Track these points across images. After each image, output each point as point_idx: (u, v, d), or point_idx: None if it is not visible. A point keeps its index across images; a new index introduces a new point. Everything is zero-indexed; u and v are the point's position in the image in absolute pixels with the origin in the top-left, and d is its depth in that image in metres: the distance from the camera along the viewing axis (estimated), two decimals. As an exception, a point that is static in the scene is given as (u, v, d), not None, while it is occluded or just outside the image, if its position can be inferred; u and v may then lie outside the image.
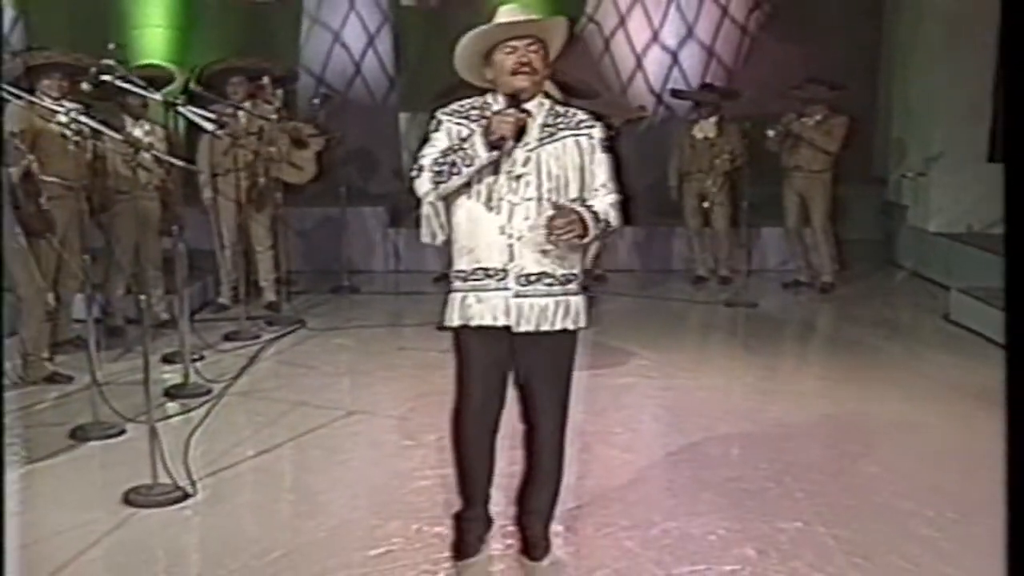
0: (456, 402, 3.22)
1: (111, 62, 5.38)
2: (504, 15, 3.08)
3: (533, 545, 3.38)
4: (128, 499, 3.96)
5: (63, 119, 5.14)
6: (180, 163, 5.94)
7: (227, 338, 6.66)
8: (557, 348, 3.18)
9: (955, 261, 8.24)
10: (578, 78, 7.19)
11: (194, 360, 5.77)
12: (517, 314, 3.09)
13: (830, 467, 4.53)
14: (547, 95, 3.24)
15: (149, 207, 6.48)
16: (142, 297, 5.69)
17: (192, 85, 7.73)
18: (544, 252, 3.07)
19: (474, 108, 3.16)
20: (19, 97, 5.19)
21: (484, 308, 3.10)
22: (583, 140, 3.14)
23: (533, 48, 3.06)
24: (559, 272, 3.12)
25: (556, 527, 3.51)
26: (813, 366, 6.67)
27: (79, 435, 4.73)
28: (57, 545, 3.58)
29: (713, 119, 8.52)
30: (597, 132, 3.18)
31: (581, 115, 3.20)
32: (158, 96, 5.51)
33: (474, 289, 3.12)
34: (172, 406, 5.25)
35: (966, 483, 4.23)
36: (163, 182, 6.41)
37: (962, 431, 4.96)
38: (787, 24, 10.47)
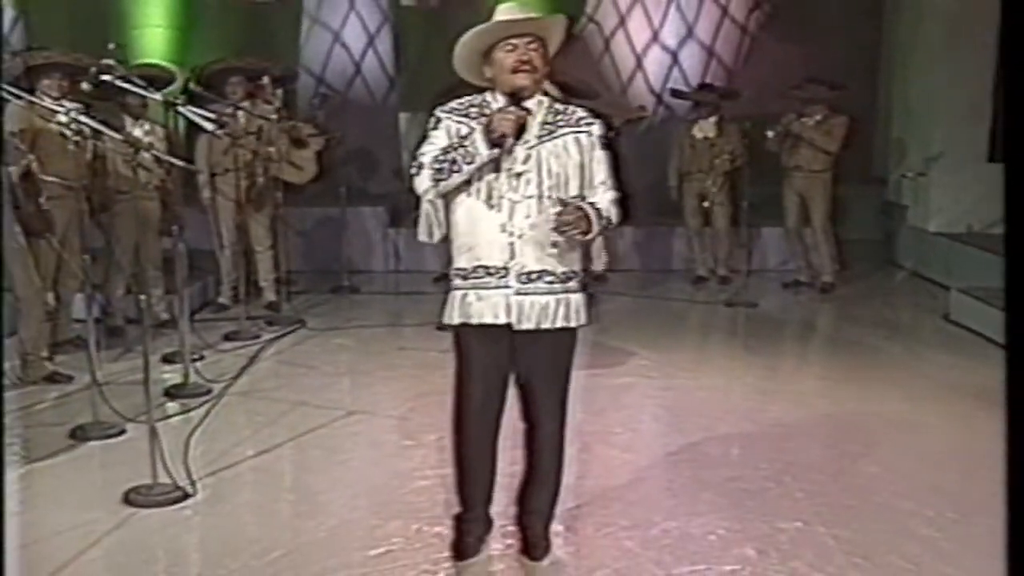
0: (456, 402, 3.22)
1: (111, 62, 5.38)
2: (503, 13, 3.08)
3: (533, 545, 3.38)
4: (128, 499, 3.96)
5: (63, 119, 5.14)
6: (180, 163, 5.94)
7: (227, 338, 6.66)
8: (557, 346, 3.19)
9: (955, 261, 8.24)
10: (578, 78, 7.20)
11: (194, 360, 5.77)
12: (518, 312, 3.10)
13: (830, 467, 4.53)
14: (545, 93, 3.25)
15: (149, 207, 6.48)
16: (142, 297, 5.69)
17: (192, 85, 7.74)
18: (545, 250, 3.08)
19: (473, 106, 3.16)
20: (19, 97, 5.19)
21: (485, 306, 3.10)
22: (583, 137, 3.15)
23: (533, 46, 3.07)
24: (560, 270, 3.12)
25: (556, 527, 3.51)
26: (813, 366, 6.67)
27: (79, 435, 4.73)
28: (57, 545, 3.58)
29: (713, 119, 8.52)
30: (596, 129, 3.19)
31: (580, 112, 3.21)
32: (158, 96, 5.51)
33: (475, 287, 3.12)
34: (172, 406, 5.25)
35: (966, 483, 4.23)
36: (163, 182, 6.41)
37: (962, 431, 4.96)
38: (787, 24, 10.47)
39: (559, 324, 3.14)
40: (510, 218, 3.06)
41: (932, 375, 6.01)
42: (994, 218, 8.07)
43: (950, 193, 8.75)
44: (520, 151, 3.06)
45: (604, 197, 3.16)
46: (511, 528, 3.46)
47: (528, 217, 3.06)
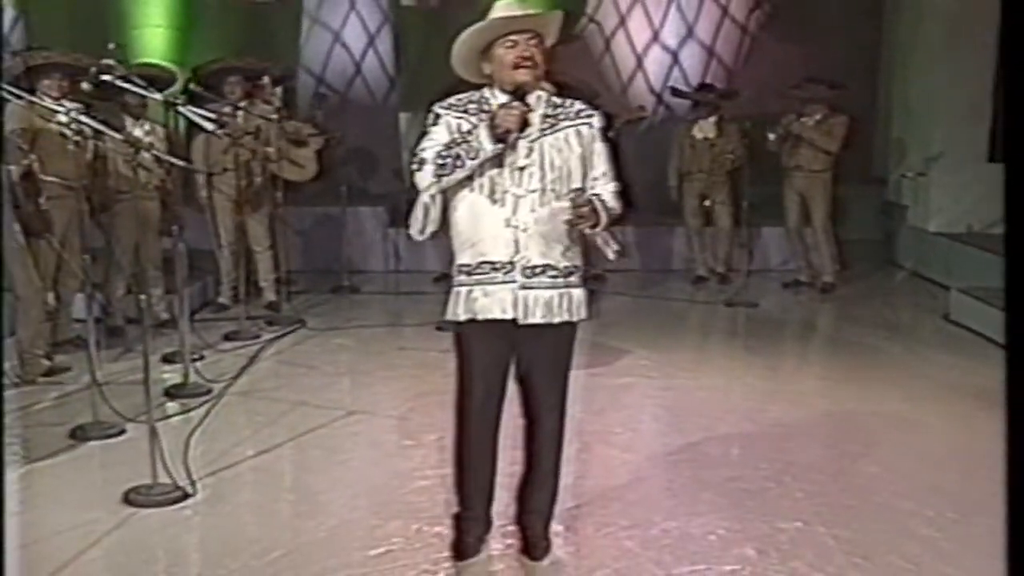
0: (458, 399, 3.22)
1: (111, 62, 5.38)
2: (502, 9, 3.09)
3: (533, 545, 3.38)
4: (128, 499, 3.96)
5: (63, 119, 5.14)
6: (180, 163, 5.94)
7: (227, 338, 6.66)
8: (559, 340, 3.20)
9: (955, 261, 8.24)
10: (578, 78, 7.20)
11: (194, 360, 5.77)
12: (524, 307, 3.10)
13: (830, 467, 4.53)
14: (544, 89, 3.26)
15: (149, 207, 6.48)
16: (142, 297, 5.69)
17: (191, 85, 7.74)
18: (549, 243, 3.08)
19: (472, 102, 3.16)
20: (19, 97, 5.19)
21: (491, 302, 3.10)
22: (583, 129, 3.17)
23: (533, 42, 3.08)
24: (562, 264, 3.14)
25: (556, 527, 3.51)
26: (813, 366, 6.67)
27: (79, 435, 4.73)
28: (57, 545, 3.58)
29: (712, 119, 8.52)
30: (596, 121, 3.21)
31: (579, 105, 3.23)
32: (158, 96, 5.51)
33: (480, 283, 3.11)
34: (172, 406, 5.25)
35: (966, 483, 4.23)
36: (163, 182, 6.41)
37: (962, 431, 4.96)
38: (787, 24, 10.47)
39: (563, 318, 3.14)
40: (514, 212, 3.07)
41: (932, 375, 6.01)
42: (994, 218, 8.07)
43: (950, 193, 8.75)
44: (522, 145, 3.07)
45: (606, 188, 3.18)
46: (511, 528, 3.46)
47: (532, 211, 3.07)
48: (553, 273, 3.12)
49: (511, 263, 3.09)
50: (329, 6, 10.93)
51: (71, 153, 5.08)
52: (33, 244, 5.49)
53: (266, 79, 7.56)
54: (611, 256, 3.31)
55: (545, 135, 3.11)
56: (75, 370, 5.61)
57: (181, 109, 5.65)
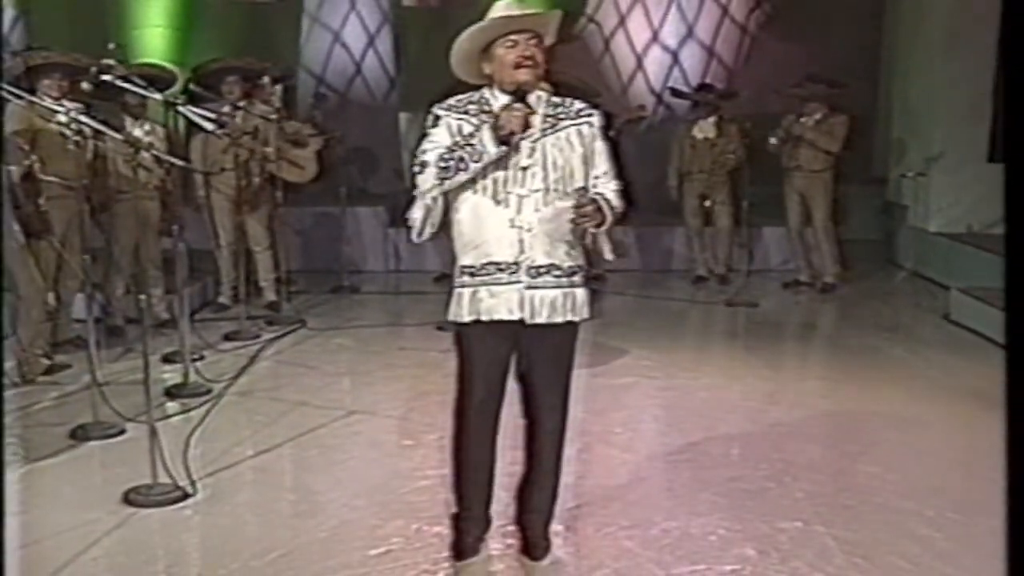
0: (458, 400, 3.22)
1: (111, 62, 5.38)
2: (502, 9, 3.09)
3: (533, 545, 3.38)
4: (128, 499, 3.96)
5: (63, 119, 5.15)
6: (180, 163, 5.94)
7: (227, 338, 6.67)
8: (563, 340, 3.20)
9: (955, 261, 8.24)
10: (578, 77, 7.20)
11: (194, 360, 5.77)
12: (530, 307, 3.10)
13: (830, 467, 4.54)
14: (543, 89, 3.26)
15: (149, 207, 6.48)
16: (142, 297, 5.69)
17: (191, 85, 7.74)
18: (554, 243, 3.08)
19: (472, 103, 3.16)
20: (19, 97, 5.19)
21: (497, 302, 3.10)
22: (584, 128, 3.17)
23: (533, 42, 3.08)
24: (567, 264, 3.14)
25: (556, 527, 3.51)
26: (813, 366, 6.67)
27: (79, 435, 4.73)
28: (57, 545, 3.58)
29: (712, 119, 8.51)
30: (596, 120, 3.21)
31: (579, 104, 3.23)
32: (158, 96, 5.51)
33: (485, 283, 3.11)
34: (172, 406, 5.25)
35: (966, 483, 4.23)
36: (163, 182, 6.41)
37: (962, 431, 4.96)
38: (787, 24, 10.48)
39: (567, 318, 3.15)
40: (518, 212, 3.07)
41: (932, 375, 6.01)
42: (994, 218, 8.06)
43: (950, 193, 8.74)
44: (524, 145, 3.07)
45: (608, 187, 3.19)
46: (511, 528, 3.46)
47: (536, 211, 3.07)
48: (558, 273, 3.13)
49: (516, 263, 3.09)
50: (329, 6, 10.94)
51: (71, 153, 5.08)
52: (33, 244, 5.49)
53: (266, 79, 7.56)
54: (608, 256, 3.31)
55: (546, 135, 3.11)
56: (75, 370, 5.61)
57: (181, 109, 5.65)
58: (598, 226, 3.09)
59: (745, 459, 4.59)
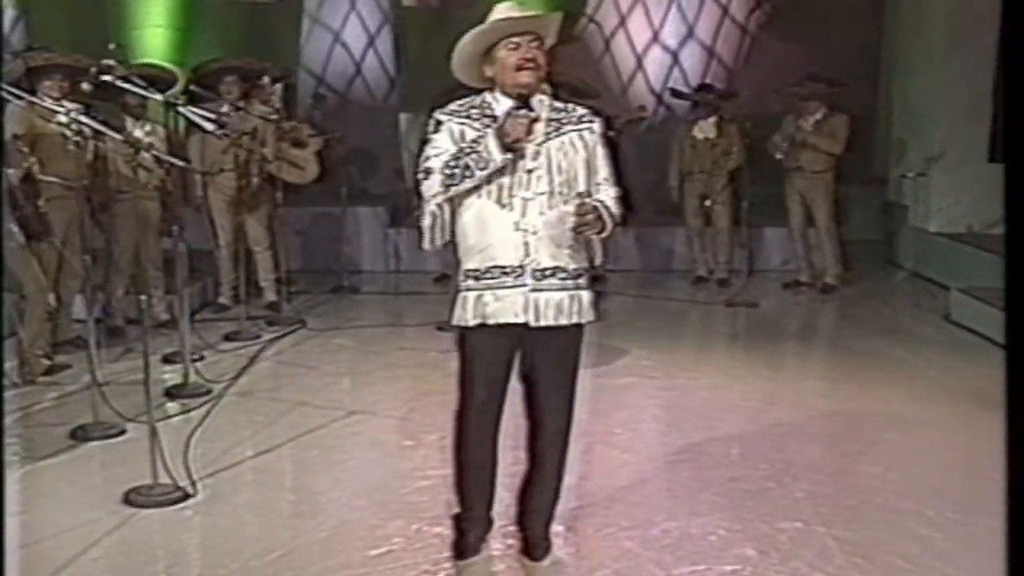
0: (460, 402, 3.21)
1: (111, 62, 5.38)
2: (503, 12, 3.09)
3: (534, 545, 3.38)
4: (128, 499, 3.96)
5: (63, 119, 5.15)
6: (180, 163, 5.94)
7: (227, 338, 6.67)
8: (568, 343, 3.20)
9: (955, 261, 8.24)
10: (578, 78, 7.21)
11: (194, 360, 5.77)
12: (535, 310, 3.10)
13: (830, 467, 4.54)
14: (546, 92, 3.26)
15: (149, 207, 6.48)
16: (142, 297, 5.69)
17: (191, 86, 7.74)
18: (559, 246, 3.08)
19: (473, 107, 3.16)
20: (20, 98, 5.20)
21: (503, 306, 3.10)
22: (586, 134, 3.18)
23: (535, 44, 3.08)
24: (571, 266, 3.14)
25: (556, 527, 3.51)
26: (813, 366, 6.67)
27: (79, 435, 4.73)
28: (57, 545, 3.58)
29: (712, 119, 8.51)
30: (597, 126, 3.23)
31: (581, 110, 3.24)
32: (158, 96, 5.51)
33: (490, 287, 3.11)
34: (172, 406, 5.25)
35: (966, 483, 4.23)
36: (163, 182, 6.41)
37: (962, 431, 4.96)
38: (787, 24, 10.48)
39: (572, 320, 3.15)
40: (523, 215, 3.07)
41: (932, 375, 6.01)
42: (994, 218, 8.06)
43: (950, 193, 8.74)
44: (529, 149, 3.07)
45: (608, 194, 3.19)
46: (511, 528, 3.46)
47: (541, 214, 3.07)
48: (563, 275, 3.13)
49: (521, 267, 3.09)
50: (329, 6, 10.93)
51: (72, 153, 5.09)
52: (34, 245, 5.49)
53: (266, 79, 7.55)
54: (597, 262, 3.31)
55: (551, 138, 3.12)
56: (75, 370, 5.61)
57: (181, 109, 5.65)
58: (598, 233, 3.08)
59: (745, 459, 4.59)
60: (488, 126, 3.04)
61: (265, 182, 7.35)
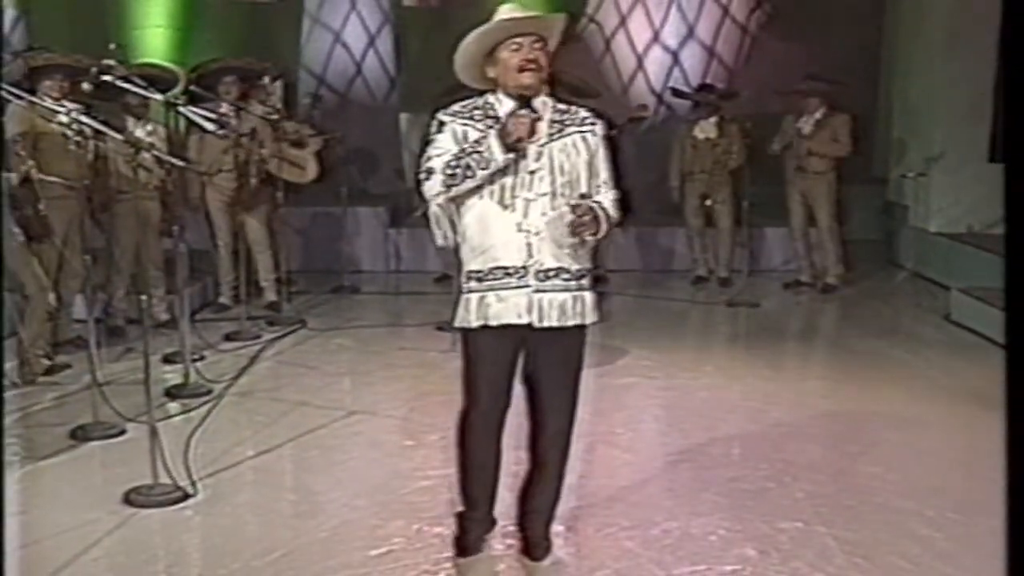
0: (465, 403, 3.21)
1: (112, 62, 5.38)
2: (506, 12, 3.09)
3: (534, 545, 3.38)
4: (128, 499, 3.96)
5: (64, 119, 5.15)
6: (180, 163, 5.94)
7: (228, 338, 6.67)
8: (571, 344, 3.20)
9: (955, 261, 8.24)
10: (579, 77, 7.21)
11: (195, 360, 5.77)
12: (538, 311, 3.10)
13: (830, 467, 4.54)
14: (549, 93, 3.26)
15: (149, 207, 6.48)
16: (143, 297, 5.69)
17: (191, 86, 7.74)
18: (560, 247, 3.08)
19: (476, 108, 3.16)
20: (20, 98, 5.20)
21: (506, 307, 3.09)
22: (588, 136, 3.18)
23: (538, 45, 3.08)
24: (574, 267, 3.14)
25: (557, 527, 3.51)
26: (814, 366, 6.67)
27: (79, 435, 4.73)
28: (57, 545, 3.58)
29: (713, 119, 8.50)
30: (599, 129, 3.23)
31: (583, 112, 3.24)
32: (159, 96, 5.51)
33: (492, 288, 3.10)
34: (173, 406, 5.25)
35: (966, 483, 4.23)
36: (163, 182, 6.41)
37: (962, 431, 4.96)
38: (788, 24, 10.47)
39: (576, 321, 3.15)
40: (525, 216, 3.07)
41: (932, 375, 6.01)
42: (994, 218, 8.06)
43: (950, 193, 8.74)
44: (532, 150, 3.08)
45: (607, 196, 3.19)
46: (512, 528, 3.46)
47: (544, 215, 3.07)
48: (566, 276, 3.12)
49: (524, 268, 3.09)
50: (330, 6, 10.94)
51: (72, 153, 5.09)
52: (34, 245, 5.49)
53: (266, 79, 7.55)
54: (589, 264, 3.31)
55: (553, 140, 3.12)
56: (75, 370, 5.61)
57: (182, 109, 5.65)
58: (594, 235, 3.07)
59: (745, 459, 4.59)
60: (491, 127, 3.05)
61: (264, 182, 7.35)
